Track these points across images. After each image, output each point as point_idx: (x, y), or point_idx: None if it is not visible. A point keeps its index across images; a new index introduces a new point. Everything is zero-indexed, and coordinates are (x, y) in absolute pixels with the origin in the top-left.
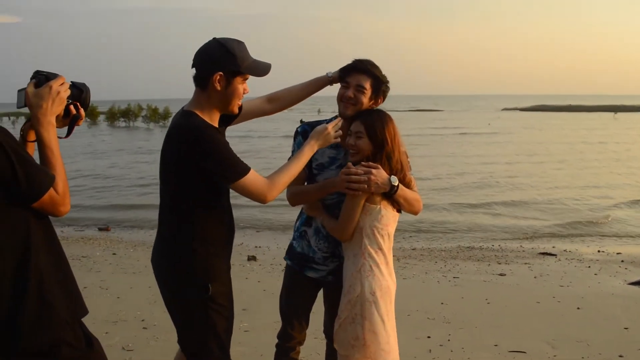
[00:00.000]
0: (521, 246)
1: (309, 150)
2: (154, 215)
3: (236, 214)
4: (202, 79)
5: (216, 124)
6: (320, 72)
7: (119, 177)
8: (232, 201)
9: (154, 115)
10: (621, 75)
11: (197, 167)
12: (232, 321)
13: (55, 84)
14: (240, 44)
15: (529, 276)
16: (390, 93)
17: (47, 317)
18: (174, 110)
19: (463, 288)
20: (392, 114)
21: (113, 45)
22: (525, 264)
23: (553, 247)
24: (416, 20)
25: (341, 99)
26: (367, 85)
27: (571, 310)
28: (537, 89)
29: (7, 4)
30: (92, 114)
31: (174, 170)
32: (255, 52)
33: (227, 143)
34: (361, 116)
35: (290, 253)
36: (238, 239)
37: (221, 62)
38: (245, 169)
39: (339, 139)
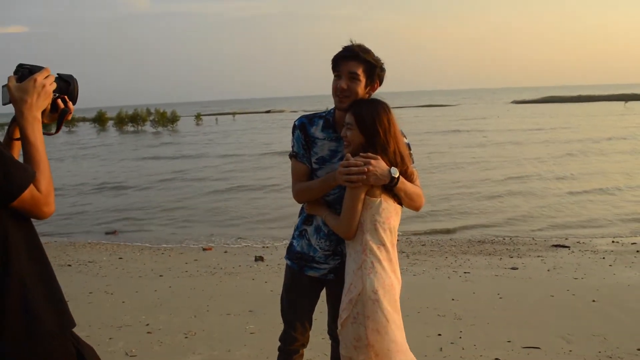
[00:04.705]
0: (533, 239)
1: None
2: (160, 218)
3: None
4: None
5: None
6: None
7: (126, 179)
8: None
9: (162, 119)
10: (630, 64)
11: None
12: None
13: (39, 77)
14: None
15: (542, 269)
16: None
17: (32, 331)
18: (182, 113)
19: (474, 283)
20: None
21: (118, 51)
22: (538, 256)
23: (566, 238)
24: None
25: (335, 92)
26: (360, 71)
27: (586, 303)
28: (542, 81)
29: (15, 15)
30: (101, 120)
31: None
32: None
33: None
34: (352, 106)
35: (290, 253)
36: (246, 239)
37: None
38: None
39: None
